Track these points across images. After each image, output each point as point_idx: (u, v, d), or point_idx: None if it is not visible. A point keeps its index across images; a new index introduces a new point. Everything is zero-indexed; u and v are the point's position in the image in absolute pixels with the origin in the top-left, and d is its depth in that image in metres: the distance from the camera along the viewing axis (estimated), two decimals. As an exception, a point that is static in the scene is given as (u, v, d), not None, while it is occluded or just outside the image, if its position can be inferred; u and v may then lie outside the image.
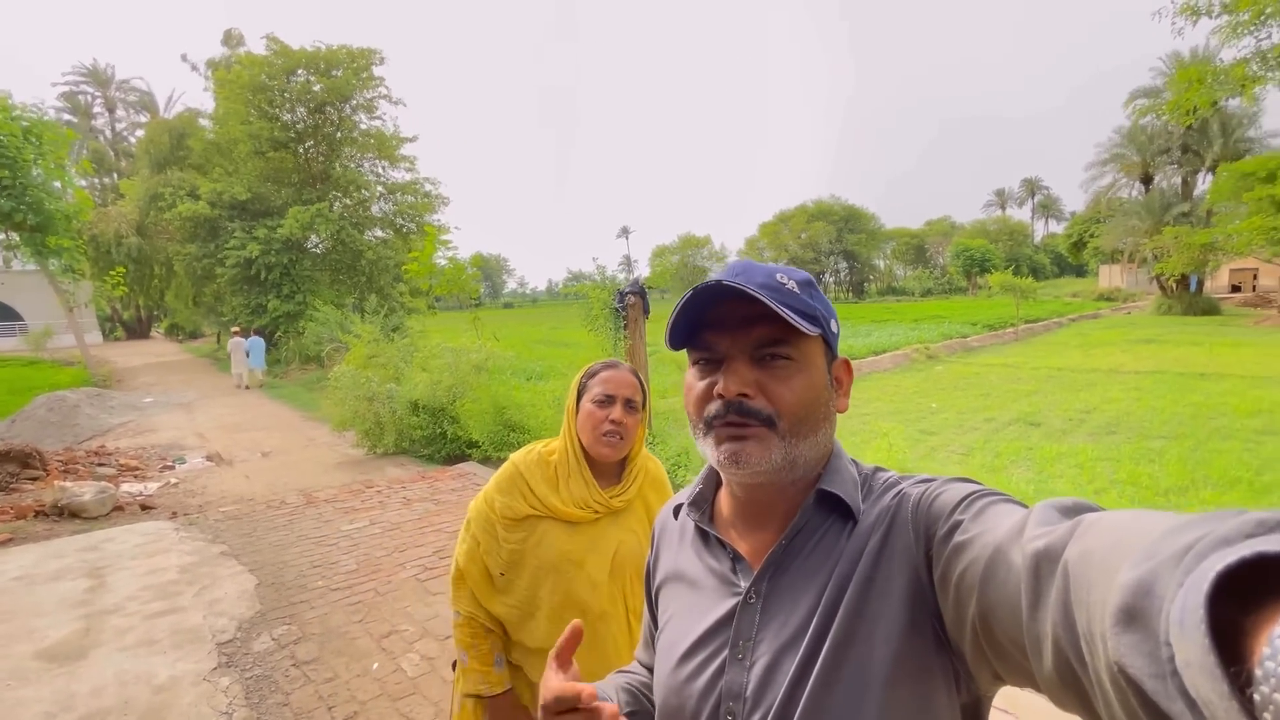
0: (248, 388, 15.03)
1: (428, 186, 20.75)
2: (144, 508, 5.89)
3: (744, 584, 0.69)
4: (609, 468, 1.42)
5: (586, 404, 1.37)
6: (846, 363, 0.73)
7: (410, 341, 11.02)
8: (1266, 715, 0.25)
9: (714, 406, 0.67)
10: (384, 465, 7.32)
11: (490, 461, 6.83)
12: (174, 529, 5.19)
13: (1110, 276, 43.68)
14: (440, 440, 7.50)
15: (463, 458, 7.23)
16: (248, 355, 15.15)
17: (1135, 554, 0.34)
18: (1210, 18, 6.36)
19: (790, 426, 0.66)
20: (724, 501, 0.78)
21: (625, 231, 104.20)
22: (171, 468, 7.62)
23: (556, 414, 6.06)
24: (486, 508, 1.42)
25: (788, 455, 0.66)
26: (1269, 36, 6.22)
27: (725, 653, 0.68)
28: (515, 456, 1.45)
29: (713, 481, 0.80)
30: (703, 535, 0.77)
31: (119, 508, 5.80)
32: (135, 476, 7.10)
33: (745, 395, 0.66)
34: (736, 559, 0.71)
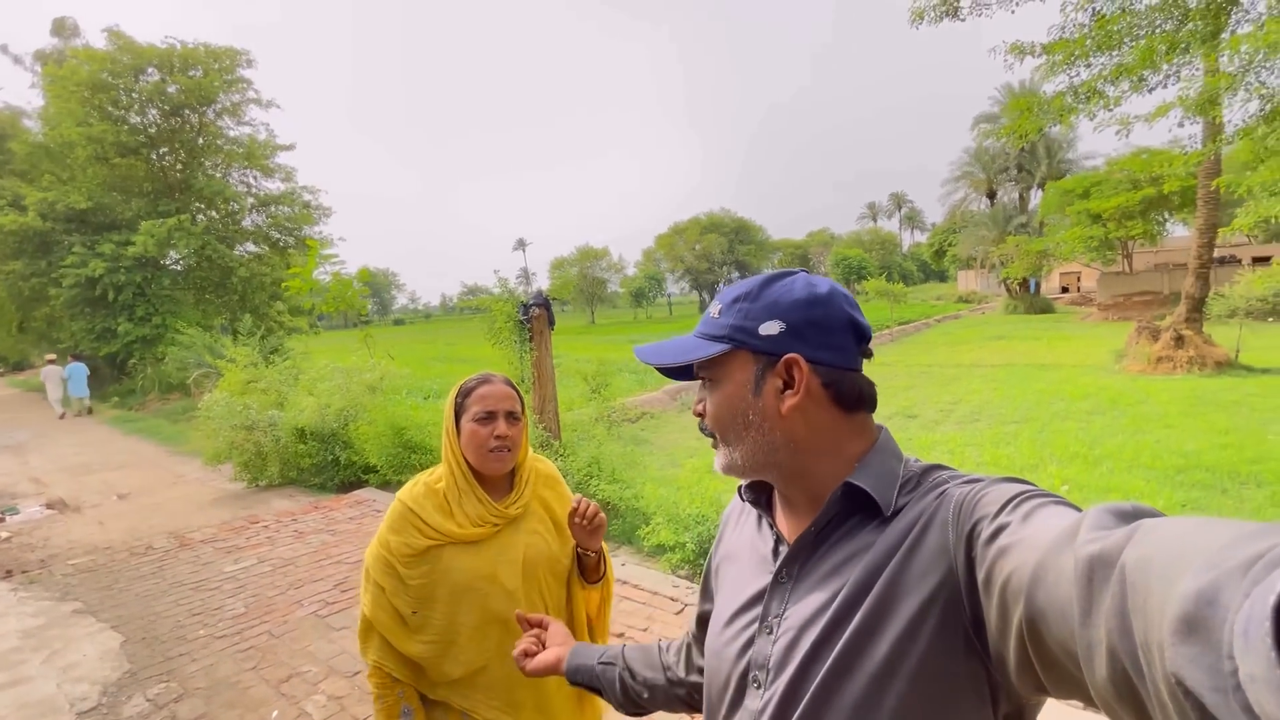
0: (76, 415, 14.65)
1: (306, 196, 19.34)
2: (-32, 569, 5.03)
3: (778, 564, 0.74)
4: (500, 479, 1.43)
5: (468, 424, 1.36)
6: (793, 359, 0.71)
7: (293, 363, 10.23)
8: None
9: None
10: (269, 498, 6.73)
11: (390, 485, 6.48)
12: (10, 589, 4.48)
13: (967, 281, 48.84)
14: (332, 467, 7.01)
15: (358, 484, 6.81)
16: (65, 382, 14.66)
17: (1198, 562, 0.33)
18: (1034, 57, 7.43)
19: (721, 436, 0.75)
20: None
21: (522, 244, 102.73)
22: (1, 520, 6.57)
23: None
24: (383, 550, 1.40)
25: (731, 460, 0.75)
26: (1078, 74, 7.35)
27: (756, 625, 0.73)
28: (401, 494, 1.44)
29: None
30: (758, 515, 0.83)
31: (-67, 571, 4.92)
32: (-47, 533, 6.04)
33: (701, 414, 0.78)
34: (779, 540, 0.76)
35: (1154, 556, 0.37)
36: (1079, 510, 0.50)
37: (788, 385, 0.71)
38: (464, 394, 1.39)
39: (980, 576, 0.56)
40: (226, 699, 2.93)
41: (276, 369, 8.93)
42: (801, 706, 0.64)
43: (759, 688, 0.70)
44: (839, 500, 0.69)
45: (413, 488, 1.43)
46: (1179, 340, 11.22)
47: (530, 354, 5.33)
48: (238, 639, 3.50)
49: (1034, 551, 0.49)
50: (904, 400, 9.94)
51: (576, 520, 1.36)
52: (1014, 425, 7.82)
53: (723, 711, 0.75)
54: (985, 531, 0.56)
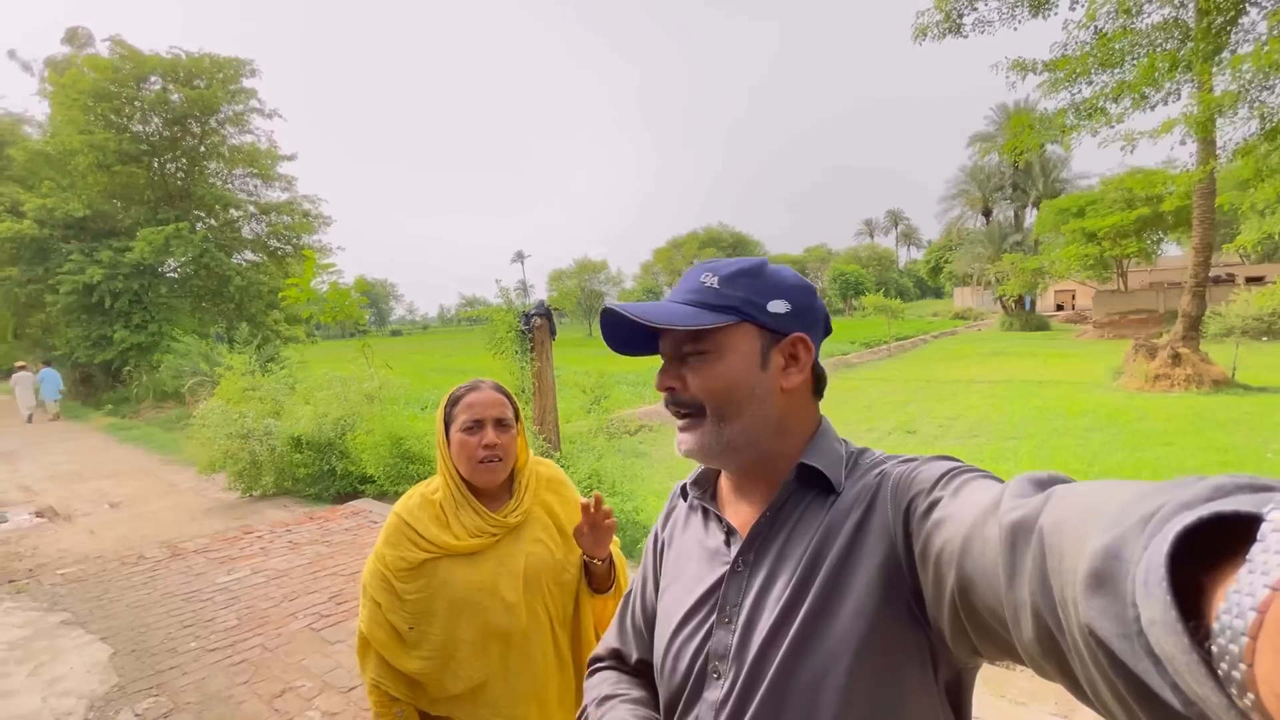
0: (52, 419, 15.22)
1: (306, 205, 19.35)
2: (-46, 578, 4.93)
3: (734, 554, 0.73)
4: (498, 487, 1.38)
5: (456, 434, 1.32)
6: (802, 338, 0.73)
7: (290, 372, 10.16)
8: (1223, 665, 0.26)
9: (664, 398, 0.77)
10: (263, 508, 6.64)
11: (387, 496, 6.40)
12: (-4, 599, 4.39)
13: (963, 297, 49.11)
14: (328, 478, 6.93)
15: (354, 495, 6.72)
16: (39, 388, 15.34)
17: (1103, 521, 0.35)
18: (1035, 74, 7.52)
19: (714, 411, 0.72)
20: (724, 479, 0.83)
21: (520, 256, 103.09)
22: (-11, 528, 6.46)
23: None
24: (379, 565, 1.36)
25: (719, 437, 0.73)
26: (1080, 91, 7.44)
27: (714, 616, 0.72)
28: (397, 506, 1.40)
29: None
30: (704, 511, 0.83)
31: (-82, 580, 4.82)
32: (-60, 541, 5.93)
33: (673, 389, 0.75)
34: (731, 532, 0.76)
35: (1066, 519, 0.39)
36: (1004, 483, 0.53)
37: (789, 364, 0.73)
38: (452, 403, 1.35)
39: (917, 550, 0.58)
40: (218, 714, 2.86)
41: (273, 377, 8.87)
42: (761, 691, 0.65)
43: (718, 678, 0.70)
44: (793, 482, 0.71)
45: (408, 500, 1.39)
46: (1176, 358, 11.26)
47: (531, 364, 5.29)
48: (230, 652, 3.42)
49: (963, 524, 0.51)
50: (902, 415, 9.93)
51: (588, 517, 1.29)
52: (1013, 441, 7.80)
53: (680, 706, 0.74)
54: (920, 507, 0.59)
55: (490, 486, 1.35)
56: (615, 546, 1.40)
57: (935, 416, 9.73)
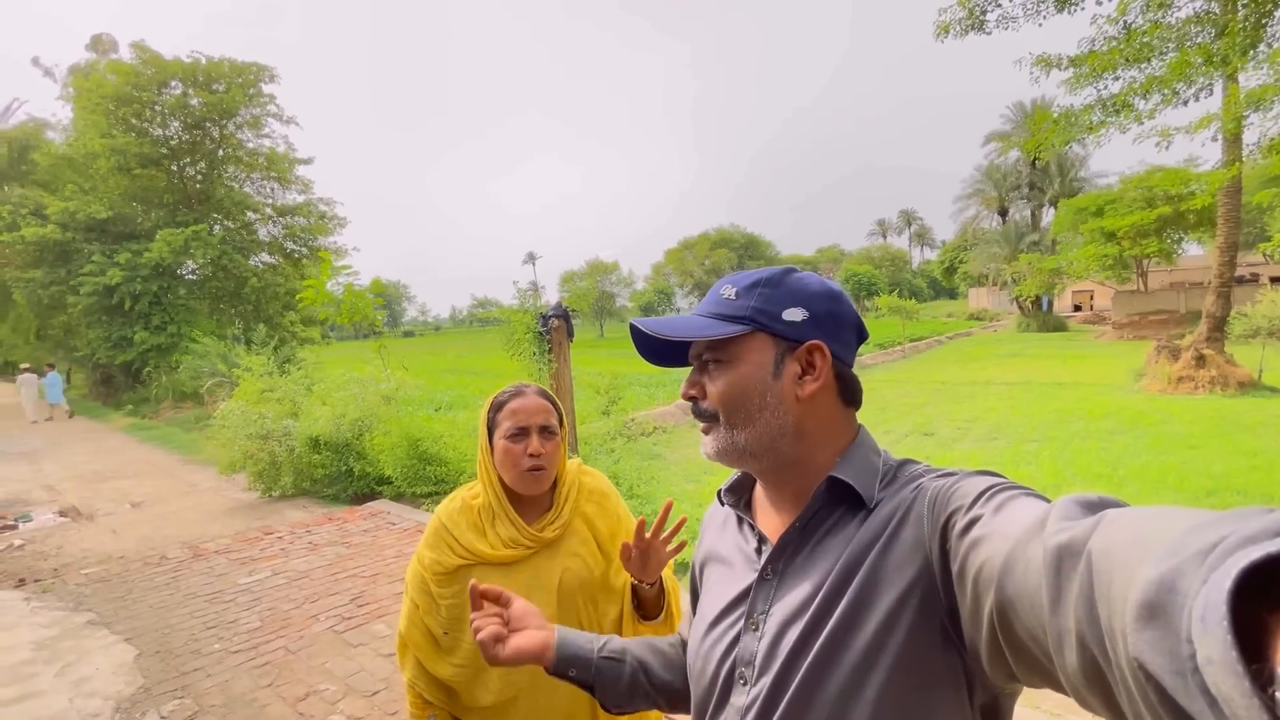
0: (48, 419, 15.82)
1: (322, 207, 19.54)
2: (-19, 576, 5.01)
3: (763, 562, 0.74)
4: (539, 497, 1.35)
5: (500, 440, 1.28)
6: (818, 346, 0.72)
7: (306, 373, 10.24)
8: None
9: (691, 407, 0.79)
10: (283, 509, 6.69)
11: (404, 498, 6.43)
12: (23, 599, 4.45)
13: (978, 298, 48.58)
14: (346, 478, 6.97)
15: (372, 496, 6.76)
16: (43, 389, 16.18)
17: (1159, 550, 0.34)
18: (1060, 69, 7.38)
19: (726, 418, 0.74)
20: (759, 487, 0.83)
21: (532, 257, 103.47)
22: (14, 527, 6.56)
23: (473, 443, 5.82)
24: (419, 566, 1.34)
25: (732, 443, 0.73)
26: (1106, 87, 7.29)
27: (742, 623, 0.73)
28: (439, 509, 1.37)
29: None
30: (737, 519, 0.83)
31: (-53, 579, 4.90)
32: (-33, 540, 6.04)
33: (694, 398, 0.77)
34: (762, 540, 0.77)
35: (1117, 545, 0.38)
36: (1049, 502, 0.51)
37: (806, 371, 0.73)
38: (496, 408, 1.31)
39: (954, 568, 0.57)
40: (242, 717, 2.87)
41: (290, 378, 8.94)
42: (786, 701, 0.65)
43: (745, 684, 0.70)
44: (823, 494, 0.71)
45: (450, 503, 1.37)
46: (1200, 360, 11.04)
47: (549, 366, 5.29)
48: (253, 654, 3.43)
49: (1005, 542, 0.49)
50: (919, 418, 9.82)
51: (639, 541, 1.13)
52: (1034, 444, 7.68)
53: (709, 709, 0.75)
54: (959, 524, 0.57)
55: (534, 494, 1.32)
56: (668, 569, 1.28)
57: (953, 419, 9.60)
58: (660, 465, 7.05)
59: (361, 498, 6.79)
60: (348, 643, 3.49)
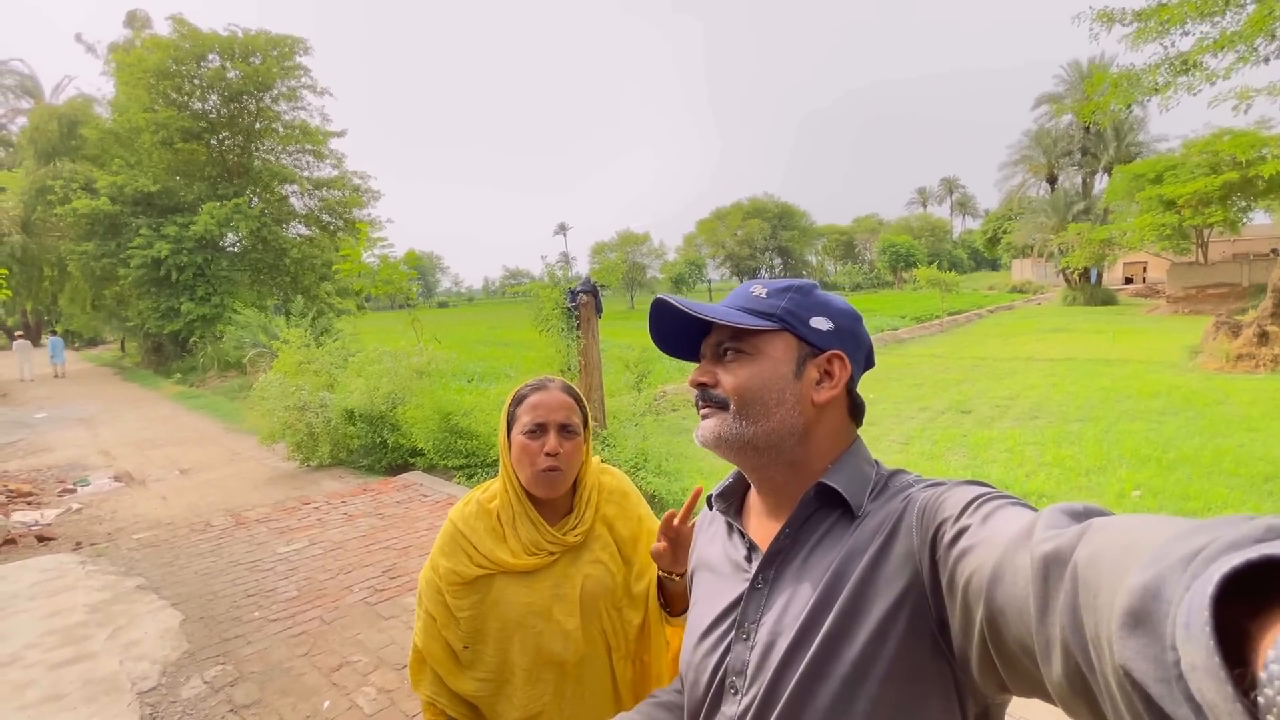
0: (56, 377, 18.62)
1: (356, 181, 19.75)
2: (41, 539, 5.29)
3: (754, 570, 0.74)
4: (559, 499, 1.26)
5: (517, 437, 1.21)
6: (839, 355, 0.76)
7: (342, 345, 10.45)
8: (1270, 716, 0.25)
9: (695, 395, 0.80)
10: (320, 479, 6.89)
11: (436, 470, 6.55)
12: (79, 562, 4.69)
13: (1022, 270, 46.71)
14: (380, 450, 7.14)
15: (405, 467, 6.91)
16: (51, 354, 19.18)
17: (1143, 558, 0.34)
18: (1123, 25, 6.81)
19: (738, 408, 0.74)
20: (751, 495, 0.84)
21: (563, 228, 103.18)
22: (73, 491, 6.91)
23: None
24: (433, 575, 1.26)
25: (738, 433, 0.73)
26: (1174, 44, 6.72)
27: (733, 632, 0.73)
28: (453, 513, 1.29)
29: (742, 476, 0.84)
30: (728, 525, 0.84)
31: (10, 540, 5.19)
32: (29, 503, 6.38)
33: (705, 384, 0.77)
34: (752, 547, 0.77)
35: (1103, 553, 0.38)
36: (1036, 511, 0.51)
37: (824, 378, 0.75)
38: (516, 402, 1.24)
39: (944, 579, 0.57)
40: (280, 685, 2.97)
41: (326, 350, 9.13)
42: (777, 711, 0.65)
43: (736, 694, 0.71)
44: (812, 501, 0.72)
45: (464, 506, 1.30)
46: (1263, 337, 10.44)
47: (577, 341, 5.26)
48: (290, 623, 3.55)
49: (993, 552, 0.50)
50: (956, 394, 9.54)
51: (668, 530, 1.10)
52: (1077, 424, 7.39)
53: (701, 719, 0.76)
54: (948, 534, 0.57)
55: (549, 498, 1.25)
56: None
57: (991, 396, 9.30)
58: (688, 441, 7.02)
59: (395, 469, 6.95)
60: (379, 615, 3.58)
